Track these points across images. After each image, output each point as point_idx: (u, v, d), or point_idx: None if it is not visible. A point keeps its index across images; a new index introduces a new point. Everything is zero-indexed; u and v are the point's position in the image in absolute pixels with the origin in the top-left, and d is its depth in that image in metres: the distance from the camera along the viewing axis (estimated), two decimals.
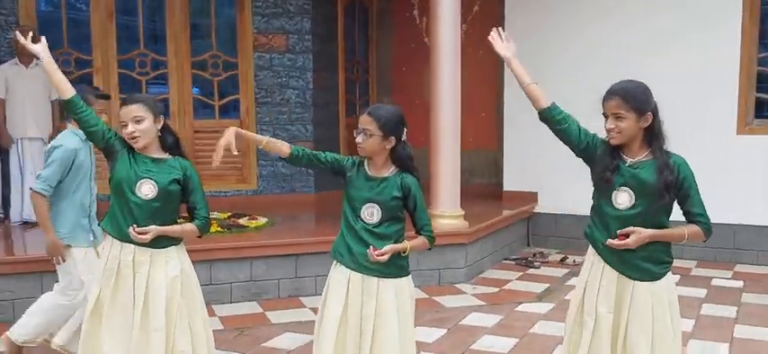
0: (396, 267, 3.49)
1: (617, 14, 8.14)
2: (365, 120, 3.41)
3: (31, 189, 4.47)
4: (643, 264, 3.24)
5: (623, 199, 3.23)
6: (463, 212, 6.95)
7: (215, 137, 8.21)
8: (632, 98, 3.19)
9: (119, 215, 3.59)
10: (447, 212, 6.75)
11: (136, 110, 3.58)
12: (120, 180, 3.58)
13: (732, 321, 5.78)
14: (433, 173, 6.80)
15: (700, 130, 7.39)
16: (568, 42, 8.39)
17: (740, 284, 6.87)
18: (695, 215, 3.24)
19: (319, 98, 8.71)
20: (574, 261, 7.74)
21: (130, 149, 3.62)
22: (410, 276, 3.59)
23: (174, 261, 3.66)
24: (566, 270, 7.46)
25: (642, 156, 3.25)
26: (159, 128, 3.65)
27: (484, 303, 6.34)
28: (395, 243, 3.45)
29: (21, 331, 4.53)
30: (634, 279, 3.26)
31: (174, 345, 3.60)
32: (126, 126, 3.57)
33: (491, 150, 9.30)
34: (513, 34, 8.58)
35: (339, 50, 9.07)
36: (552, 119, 3.46)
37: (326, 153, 3.61)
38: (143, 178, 3.57)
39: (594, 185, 3.36)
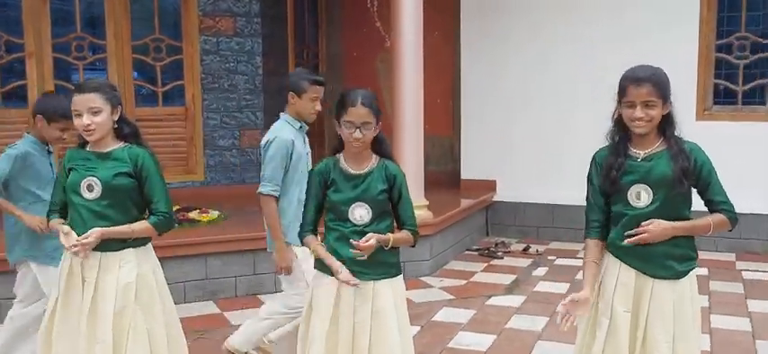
0: (388, 265, 3.21)
1: (577, 7, 8.00)
2: (364, 113, 3.10)
3: (259, 193, 4.02)
4: (666, 261, 3.00)
5: (641, 196, 3.01)
6: (427, 202, 6.70)
7: (158, 125, 7.84)
8: (663, 84, 2.98)
9: (70, 220, 3.26)
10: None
11: (93, 99, 3.20)
12: (69, 183, 3.25)
13: (706, 310, 5.68)
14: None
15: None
16: (532, 37, 8.20)
17: (705, 271, 6.80)
18: (718, 203, 3.04)
19: (269, 84, 8.31)
20: (537, 251, 7.60)
21: (80, 148, 3.29)
22: (402, 274, 3.31)
23: (130, 264, 3.27)
24: (530, 260, 7.30)
25: (655, 147, 3.04)
26: (116, 119, 3.27)
27: (453, 296, 6.11)
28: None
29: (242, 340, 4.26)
30: (656, 278, 3.02)
31: None
32: (80, 116, 3.18)
33: (446, 136, 9.06)
34: (470, 25, 8.48)
35: (289, 34, 8.67)
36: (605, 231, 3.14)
37: (313, 200, 3.24)
38: (86, 177, 3.21)
39: (607, 192, 3.10)
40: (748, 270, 6.91)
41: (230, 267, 6.01)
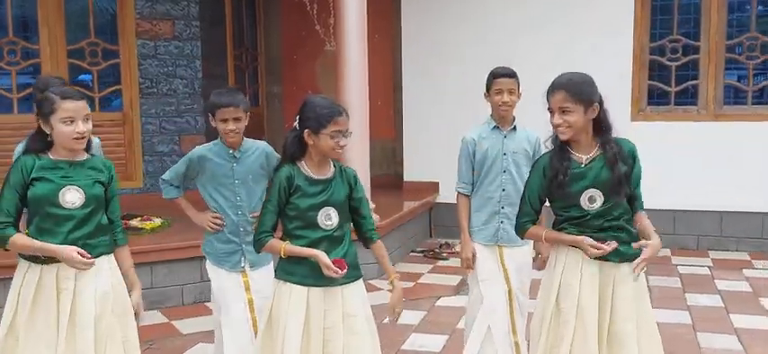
0: (353, 268, 3.27)
1: (516, 9, 8.14)
2: (346, 121, 3.16)
3: (459, 191, 4.19)
4: (622, 248, 3.15)
5: (594, 199, 3.15)
6: (374, 205, 6.70)
7: (95, 131, 7.63)
8: (578, 90, 3.10)
9: (38, 234, 3.13)
10: None
11: (85, 107, 3.17)
12: (41, 195, 3.12)
13: None
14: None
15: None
16: (471, 38, 8.30)
17: None
18: (639, 202, 3.29)
19: (209, 88, 8.16)
20: None
21: (36, 156, 3.16)
22: None
23: (105, 273, 3.23)
24: None
25: (594, 152, 3.18)
26: None
27: (402, 299, 6.12)
28: (347, 241, 3.24)
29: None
30: (616, 262, 3.15)
31: None
32: (72, 122, 3.10)
33: (388, 139, 9.08)
34: (410, 27, 8.54)
35: (227, 37, 8.56)
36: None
37: (271, 205, 3.22)
38: (65, 185, 3.11)
39: (555, 197, 3.24)
40: (684, 265, 7.15)
41: (177, 275, 5.92)
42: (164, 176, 4.00)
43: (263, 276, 3.88)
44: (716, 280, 6.66)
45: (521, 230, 3.37)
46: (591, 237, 3.12)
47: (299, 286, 3.16)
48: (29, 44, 7.38)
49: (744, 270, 6.98)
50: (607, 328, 3.17)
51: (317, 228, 3.15)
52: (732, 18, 7.81)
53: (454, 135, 8.63)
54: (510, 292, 4.15)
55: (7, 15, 7.25)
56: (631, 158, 3.18)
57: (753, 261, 7.35)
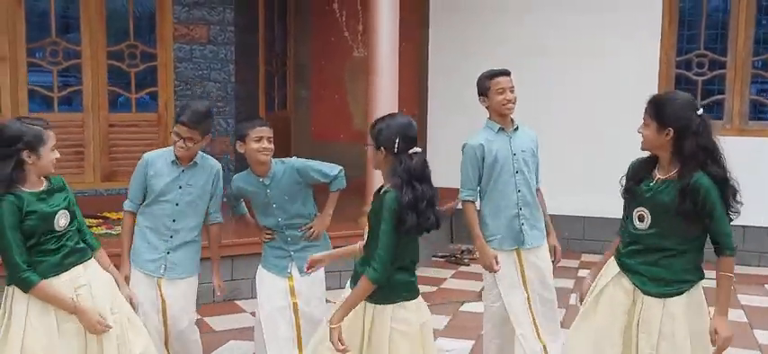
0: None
1: (544, 20, 8.25)
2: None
3: (461, 201, 4.20)
4: (655, 281, 3.19)
5: (642, 220, 3.21)
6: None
7: (130, 131, 7.86)
8: (656, 108, 3.14)
9: (40, 256, 3.31)
10: None
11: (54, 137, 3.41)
12: (42, 224, 3.31)
13: None
14: (369, 172, 6.66)
15: (616, 127, 7.57)
16: (498, 48, 8.40)
17: None
18: (717, 242, 3.21)
19: (241, 91, 8.40)
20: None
21: (13, 194, 3.23)
22: None
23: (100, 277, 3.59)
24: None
25: (671, 174, 3.16)
26: None
27: (426, 303, 6.26)
28: None
29: None
30: (645, 294, 3.21)
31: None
32: (54, 149, 3.35)
33: None
34: (438, 34, 8.64)
35: (260, 42, 8.77)
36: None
37: None
38: (55, 211, 3.34)
39: (625, 203, 3.37)
40: (706, 279, 7.16)
41: (207, 273, 6.07)
42: (225, 199, 4.21)
43: (309, 283, 4.08)
44: (739, 295, 6.70)
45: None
46: (626, 254, 3.25)
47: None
48: (70, 44, 7.62)
49: (766, 285, 7.03)
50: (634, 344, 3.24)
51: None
52: (759, 32, 7.87)
53: None
54: (528, 299, 4.20)
55: (51, 16, 7.49)
56: (696, 194, 3.05)
57: None
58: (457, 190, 8.51)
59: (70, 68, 7.69)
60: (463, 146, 4.24)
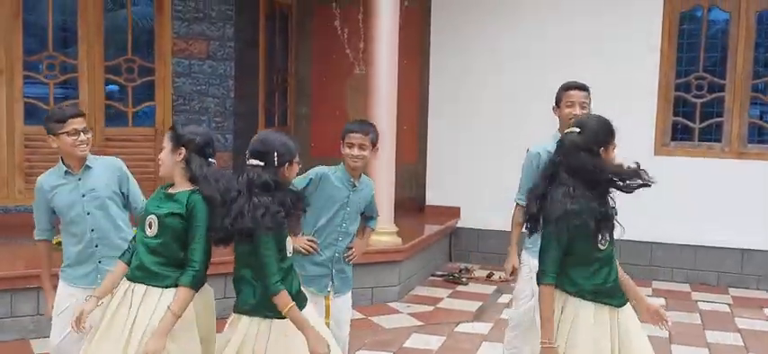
0: None
1: (543, 42, 8.24)
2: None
3: (516, 202, 4.20)
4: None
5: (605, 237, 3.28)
6: (397, 228, 6.84)
7: (127, 145, 7.82)
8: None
9: None
10: (382, 229, 6.59)
11: None
12: None
13: (666, 341, 5.89)
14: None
15: (617, 148, 7.58)
16: (498, 69, 8.43)
17: (662, 301, 7.05)
18: None
19: (240, 107, 8.37)
20: (500, 277, 7.76)
21: None
22: None
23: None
24: (494, 287, 7.47)
25: None
26: None
27: (421, 323, 6.24)
28: None
29: None
30: (619, 307, 3.31)
31: None
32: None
33: (411, 163, 9.18)
34: (439, 54, 8.65)
35: (260, 58, 8.76)
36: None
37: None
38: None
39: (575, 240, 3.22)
40: (704, 301, 7.18)
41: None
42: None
43: (341, 304, 4.06)
44: (736, 318, 6.68)
45: None
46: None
47: None
48: (67, 58, 7.60)
49: (764, 309, 6.99)
50: None
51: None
52: (758, 55, 7.87)
53: (477, 162, 8.87)
54: None
55: (48, 29, 7.47)
56: None
57: None
58: (457, 209, 8.65)
59: (69, 81, 7.66)
60: (527, 149, 4.27)
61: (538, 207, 3.19)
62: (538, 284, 3.20)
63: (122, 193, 3.96)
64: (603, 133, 3.21)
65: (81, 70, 7.59)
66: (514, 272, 4.21)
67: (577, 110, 3.99)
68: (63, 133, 3.74)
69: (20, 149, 7.30)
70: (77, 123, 3.76)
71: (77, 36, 7.57)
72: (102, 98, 7.72)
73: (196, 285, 3.19)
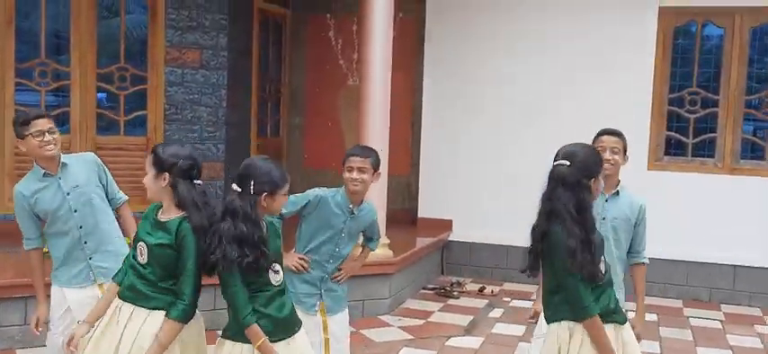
0: None
1: (535, 55, 8.23)
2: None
3: None
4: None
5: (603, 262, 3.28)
6: (389, 241, 6.80)
7: (118, 154, 7.77)
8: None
9: None
10: None
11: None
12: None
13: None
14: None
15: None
16: (492, 82, 8.42)
17: (654, 317, 7.02)
18: None
19: (232, 117, 8.33)
20: (492, 292, 7.74)
21: None
22: None
23: None
24: (485, 301, 7.43)
25: None
26: None
27: (412, 337, 6.20)
28: None
29: None
30: (623, 324, 3.29)
31: None
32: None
33: (403, 175, 9.16)
34: (433, 67, 8.64)
35: (253, 68, 8.73)
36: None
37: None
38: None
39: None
40: (695, 317, 7.16)
41: None
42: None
43: (338, 321, 4.05)
44: (728, 335, 6.66)
45: None
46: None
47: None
48: (60, 66, 7.56)
49: (756, 326, 6.98)
50: None
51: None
52: (752, 71, 7.88)
53: (469, 176, 8.85)
54: None
55: (41, 36, 7.44)
56: None
57: (765, 316, 7.35)
58: (449, 222, 8.62)
59: (61, 89, 7.61)
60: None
61: (542, 247, 3.12)
62: (579, 322, 3.09)
63: (102, 185, 3.99)
64: (592, 163, 3.16)
65: (73, 77, 7.55)
66: (536, 316, 4.07)
67: (608, 155, 3.85)
68: (28, 135, 3.74)
69: (10, 157, 7.23)
70: (42, 124, 3.74)
71: (70, 43, 7.53)
72: (93, 106, 7.68)
73: (185, 319, 3.13)
